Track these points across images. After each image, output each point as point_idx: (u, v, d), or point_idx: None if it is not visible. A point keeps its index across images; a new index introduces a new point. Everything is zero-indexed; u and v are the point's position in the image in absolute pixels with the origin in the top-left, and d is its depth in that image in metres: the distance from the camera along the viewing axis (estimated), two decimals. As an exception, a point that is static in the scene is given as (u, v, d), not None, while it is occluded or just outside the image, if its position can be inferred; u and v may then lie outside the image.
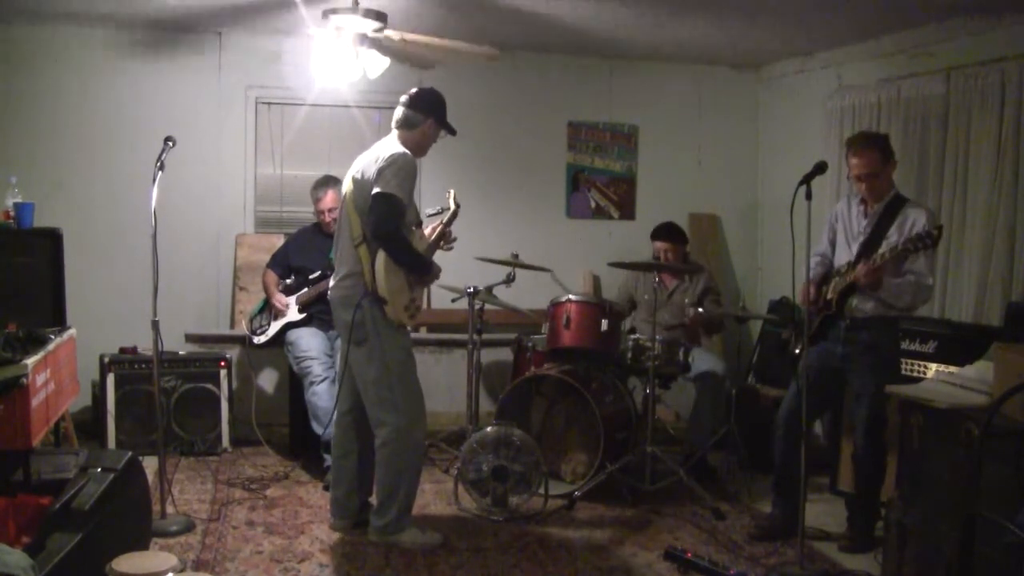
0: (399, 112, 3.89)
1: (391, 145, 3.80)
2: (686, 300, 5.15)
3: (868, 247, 3.82)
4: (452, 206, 4.08)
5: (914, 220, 3.74)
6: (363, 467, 3.99)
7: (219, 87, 5.72)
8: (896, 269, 3.75)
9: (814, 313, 3.92)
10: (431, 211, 4.33)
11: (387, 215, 3.66)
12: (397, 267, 3.72)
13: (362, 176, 3.77)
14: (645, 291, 5.17)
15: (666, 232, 5.20)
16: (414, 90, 3.95)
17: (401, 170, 3.69)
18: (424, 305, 5.86)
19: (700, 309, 4.98)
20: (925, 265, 3.74)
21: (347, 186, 3.85)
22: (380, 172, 3.68)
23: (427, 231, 4.01)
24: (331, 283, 3.94)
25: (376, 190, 3.66)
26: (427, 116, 3.86)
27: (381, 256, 3.69)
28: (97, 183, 5.52)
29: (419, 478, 3.96)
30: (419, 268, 3.82)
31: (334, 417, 4.07)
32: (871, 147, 3.82)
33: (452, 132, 3.99)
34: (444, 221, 4.05)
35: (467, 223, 5.92)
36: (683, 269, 5.11)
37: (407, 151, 3.78)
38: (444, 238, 4.05)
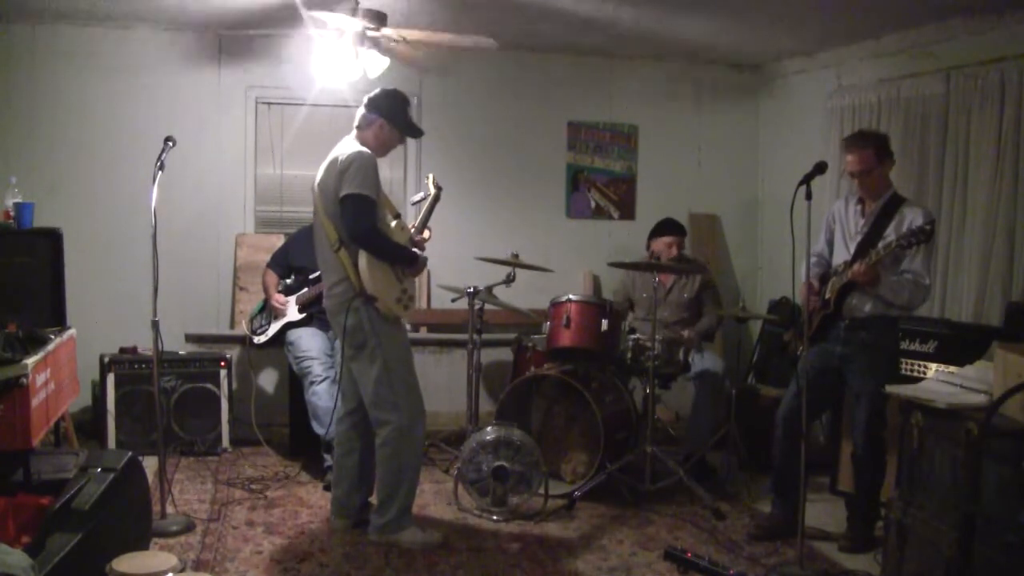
0: (357, 112, 3.89)
1: (348, 146, 3.79)
2: (684, 296, 5.15)
3: (865, 246, 3.82)
4: (432, 190, 4.10)
5: (911, 219, 3.74)
6: (364, 466, 4.00)
7: (219, 87, 5.71)
8: (893, 267, 3.76)
9: (814, 313, 3.92)
10: (415, 198, 4.37)
11: (359, 215, 3.66)
12: (380, 262, 3.73)
13: (325, 183, 3.76)
14: (643, 290, 5.17)
15: (670, 227, 5.24)
16: (375, 91, 3.91)
17: (361, 168, 3.68)
18: (424, 305, 5.89)
19: (691, 334, 4.97)
20: (922, 265, 3.75)
21: (315, 194, 3.84)
22: (342, 175, 3.68)
23: (416, 221, 4.07)
24: (324, 293, 3.95)
25: (343, 193, 3.66)
26: (378, 116, 3.84)
27: (363, 255, 3.69)
28: (97, 183, 5.52)
29: (419, 476, 3.97)
30: (403, 260, 3.83)
31: (337, 416, 4.06)
32: (866, 145, 3.83)
33: (413, 134, 3.99)
34: (427, 208, 4.09)
35: (467, 223, 5.97)
36: (686, 269, 5.10)
37: (364, 148, 3.77)
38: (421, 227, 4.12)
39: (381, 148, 3.88)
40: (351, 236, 3.70)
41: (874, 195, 3.88)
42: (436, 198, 4.15)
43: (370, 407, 3.85)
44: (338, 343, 4.85)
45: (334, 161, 3.75)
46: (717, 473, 4.92)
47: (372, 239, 3.71)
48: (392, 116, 3.86)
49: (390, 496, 3.84)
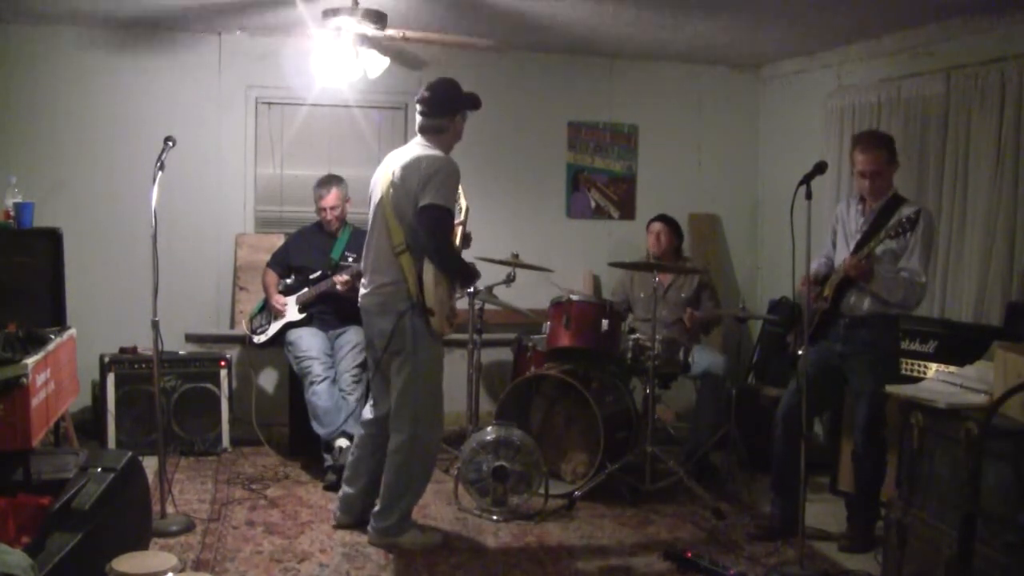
0: (420, 120, 3.78)
1: (425, 148, 3.71)
2: (682, 295, 5.15)
3: (864, 244, 3.83)
4: (463, 204, 4.04)
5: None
6: (381, 470, 3.96)
7: (219, 87, 5.71)
8: (891, 265, 3.77)
9: (813, 310, 3.92)
10: None
11: (439, 228, 3.60)
12: (443, 278, 3.67)
13: (403, 183, 3.65)
14: (642, 290, 5.17)
15: (658, 217, 5.29)
16: (426, 93, 3.78)
17: (448, 178, 3.63)
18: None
19: (696, 312, 4.97)
20: (919, 263, 3.76)
21: (383, 190, 3.73)
22: (426, 182, 3.59)
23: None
24: (364, 290, 3.84)
25: (424, 202, 3.57)
26: (452, 116, 3.76)
27: (429, 268, 3.62)
28: (97, 183, 5.51)
29: (426, 486, 3.95)
30: (468, 276, 3.82)
31: (364, 419, 4.01)
32: (879, 146, 3.86)
33: (478, 107, 3.87)
34: (462, 221, 3.99)
35: (467, 222, 5.95)
36: (684, 269, 5.10)
37: (448, 156, 3.71)
38: (466, 239, 4.01)
39: (454, 143, 3.83)
40: (426, 247, 3.62)
41: (877, 195, 3.89)
42: (467, 213, 4.03)
43: (391, 413, 3.82)
44: (339, 342, 4.88)
45: (417, 160, 3.65)
46: (717, 473, 4.92)
47: (448, 255, 3.67)
48: (465, 107, 3.80)
49: (393, 503, 3.83)
